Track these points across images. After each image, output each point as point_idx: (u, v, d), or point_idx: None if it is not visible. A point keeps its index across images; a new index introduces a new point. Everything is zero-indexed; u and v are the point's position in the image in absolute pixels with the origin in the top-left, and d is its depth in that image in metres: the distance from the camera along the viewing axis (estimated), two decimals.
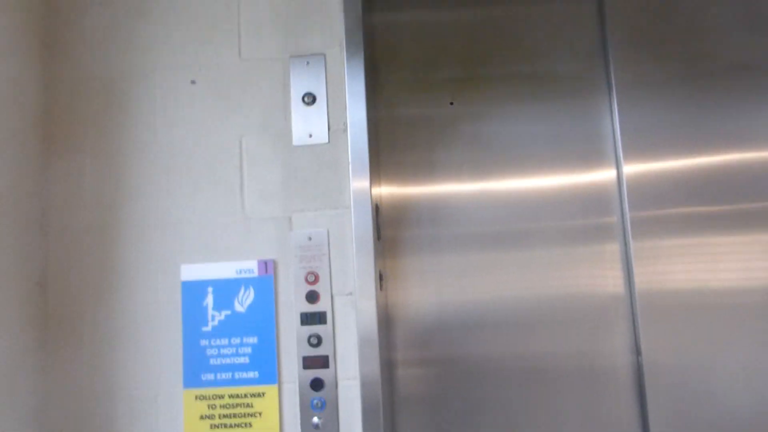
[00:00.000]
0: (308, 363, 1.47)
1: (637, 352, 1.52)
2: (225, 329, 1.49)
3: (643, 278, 1.54)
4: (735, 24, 1.65)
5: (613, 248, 1.58)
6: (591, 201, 1.61)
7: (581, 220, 1.60)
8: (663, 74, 1.63)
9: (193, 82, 1.55)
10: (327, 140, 1.52)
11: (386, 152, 1.64)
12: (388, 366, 1.54)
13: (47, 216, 1.54)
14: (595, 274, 1.57)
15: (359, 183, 1.49)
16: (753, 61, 1.63)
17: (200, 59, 1.56)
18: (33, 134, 1.51)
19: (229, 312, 1.49)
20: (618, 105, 1.62)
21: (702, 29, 1.65)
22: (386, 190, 1.62)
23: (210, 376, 1.48)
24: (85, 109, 1.56)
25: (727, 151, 1.59)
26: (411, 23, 1.70)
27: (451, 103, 1.65)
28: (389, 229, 1.60)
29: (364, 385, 1.45)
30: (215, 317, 1.49)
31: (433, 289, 1.57)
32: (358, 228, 1.49)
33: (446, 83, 1.67)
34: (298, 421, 1.46)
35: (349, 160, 1.50)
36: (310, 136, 1.52)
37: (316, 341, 1.47)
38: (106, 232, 1.53)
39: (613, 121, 1.63)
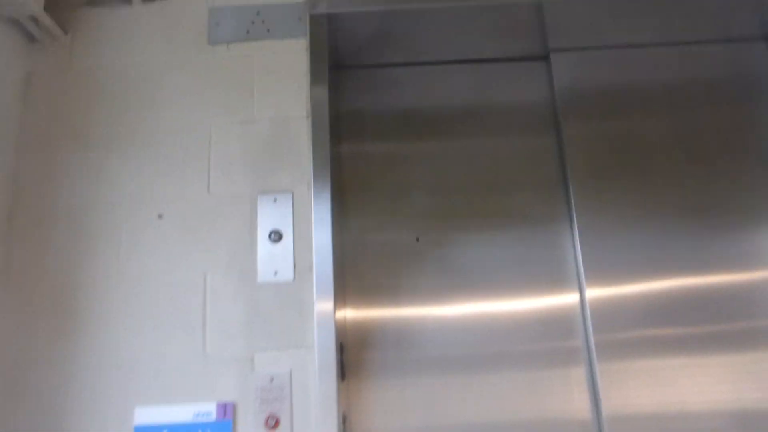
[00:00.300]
0: None
1: None
2: None
3: (609, 401, 1.54)
4: (687, 169, 1.74)
5: (579, 372, 1.59)
6: (556, 325, 1.63)
7: (547, 343, 1.61)
8: (621, 205, 1.71)
9: (160, 216, 1.54)
10: (292, 278, 1.51)
11: (353, 278, 1.66)
12: None
13: None
14: (562, 398, 1.57)
15: (324, 322, 1.48)
16: (703, 203, 1.72)
17: (169, 194, 1.56)
18: None
19: None
20: (579, 233, 1.68)
21: (657, 170, 1.74)
22: (352, 315, 1.63)
23: None
24: (47, 235, 1.54)
25: (684, 277, 1.66)
26: (379, 155, 1.76)
27: (417, 239, 1.68)
28: (354, 354, 1.60)
29: None
30: None
31: (399, 416, 1.55)
32: (322, 369, 1.45)
33: (413, 218, 1.71)
34: None
35: (314, 299, 1.49)
36: (276, 273, 1.51)
37: None
38: (56, 369, 1.47)
39: (575, 248, 1.68)
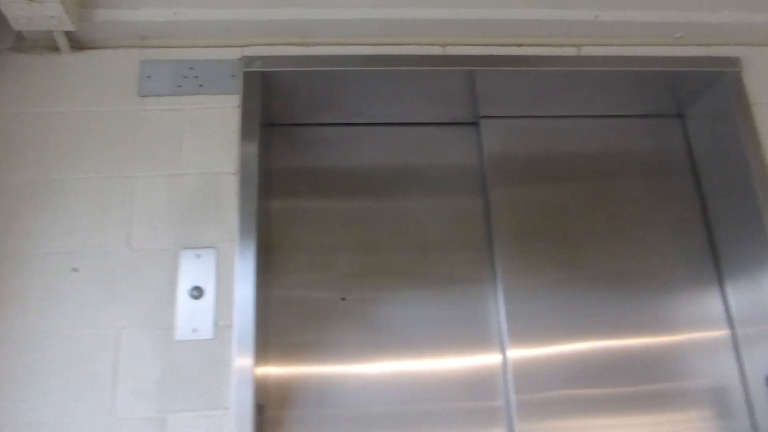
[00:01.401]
0: None
1: None
2: None
3: None
4: (607, 236, 1.81)
5: (500, 431, 1.60)
6: (478, 385, 1.65)
7: (469, 403, 1.63)
8: (544, 269, 1.76)
9: (74, 269, 1.49)
10: (212, 336, 1.47)
11: (276, 332, 1.64)
12: None
13: None
14: None
15: (242, 381, 1.44)
16: (622, 270, 1.79)
17: (86, 246, 1.51)
18: None
19: None
20: (503, 294, 1.71)
21: (578, 236, 1.80)
22: (274, 373, 1.61)
23: None
24: None
25: (606, 340, 1.71)
26: (308, 213, 1.77)
27: (343, 299, 1.68)
28: (275, 412, 1.58)
29: None
30: None
31: None
32: (238, 431, 1.41)
33: (339, 276, 1.71)
34: None
35: (233, 357, 1.45)
36: (195, 330, 1.47)
37: None
38: None
39: (499, 309, 1.71)
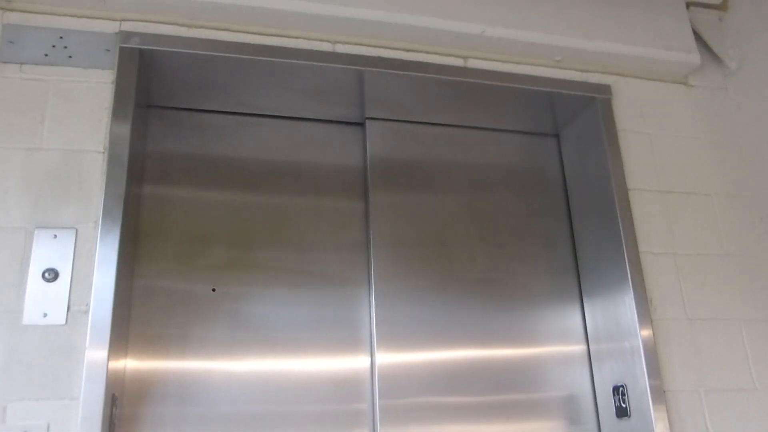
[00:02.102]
0: None
1: None
2: None
3: None
4: (479, 246, 1.88)
5: None
6: (346, 387, 1.65)
7: (335, 405, 1.63)
8: (418, 275, 1.79)
9: None
10: (64, 321, 1.39)
11: (138, 326, 1.58)
12: None
13: None
14: None
15: (94, 371, 1.36)
16: (491, 280, 1.85)
17: None
18: None
19: None
20: (376, 298, 1.73)
21: (452, 244, 1.85)
22: (132, 366, 1.54)
23: None
24: None
25: (471, 349, 1.76)
26: (181, 201, 1.71)
27: (213, 290, 1.64)
28: (131, 407, 1.51)
29: None
30: None
31: None
32: (86, 423, 1.34)
33: (210, 267, 1.67)
34: None
35: (86, 345, 1.38)
36: (45, 315, 1.39)
37: None
38: None
39: (371, 312, 1.72)
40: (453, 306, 1.78)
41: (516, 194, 1.98)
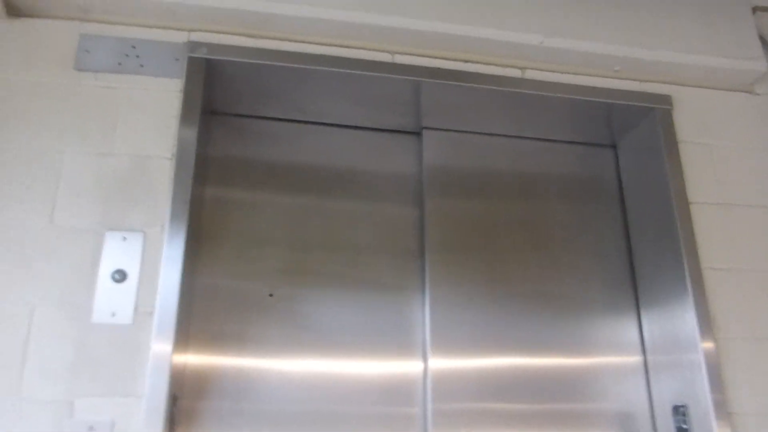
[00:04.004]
0: None
1: None
2: None
3: None
4: (533, 255, 1.86)
5: None
6: (397, 391, 1.67)
7: (386, 408, 1.64)
8: (472, 282, 1.80)
9: None
10: (131, 321, 1.44)
11: (199, 321, 1.62)
12: None
13: None
14: None
15: (158, 369, 1.41)
16: (545, 290, 1.84)
17: (5, 219, 1.45)
18: None
19: None
20: (430, 304, 1.74)
21: (507, 252, 1.85)
22: (193, 362, 1.58)
23: None
24: None
25: (524, 356, 1.75)
26: (242, 205, 1.76)
27: (271, 295, 1.67)
28: (190, 403, 1.56)
29: None
30: None
31: None
32: (149, 422, 1.38)
33: (268, 271, 1.70)
34: None
35: (151, 345, 1.42)
36: (113, 315, 1.43)
37: None
38: None
39: (424, 318, 1.73)
40: (506, 313, 1.78)
41: (571, 204, 1.97)
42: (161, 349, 1.42)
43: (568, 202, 1.97)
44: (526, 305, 1.80)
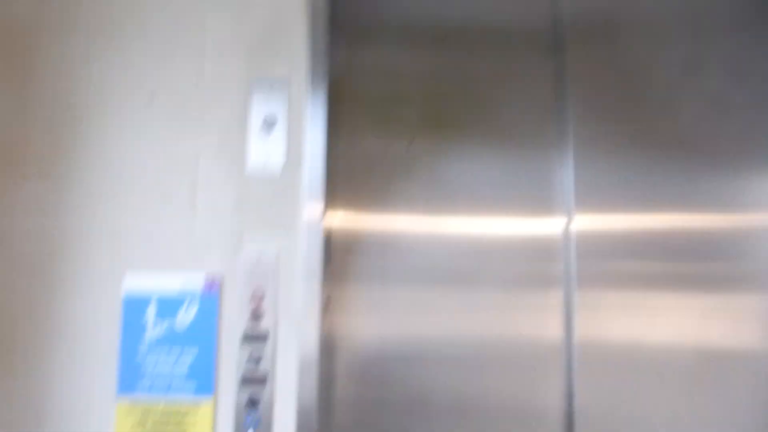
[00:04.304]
0: (246, 381, 1.49)
1: (570, 396, 1.58)
2: (165, 342, 1.49)
3: (581, 329, 1.58)
4: (685, 104, 1.72)
5: (557, 297, 1.61)
6: (540, 248, 1.63)
7: (528, 265, 1.63)
8: (618, 135, 1.68)
9: (149, 99, 1.56)
10: (283, 165, 1.55)
11: (342, 182, 1.66)
12: (326, 391, 1.57)
13: None
14: (537, 320, 1.60)
15: (312, 209, 1.53)
16: (699, 141, 1.69)
17: (160, 77, 1.57)
18: None
19: (170, 325, 1.49)
20: (574, 158, 1.66)
21: (655, 102, 1.71)
22: (339, 219, 1.64)
23: (145, 388, 1.47)
24: (31, 118, 1.55)
25: (675, 214, 1.64)
26: (375, 62, 1.74)
27: (410, 144, 1.69)
28: (339, 259, 1.62)
29: (301, 408, 1.47)
30: (156, 329, 1.49)
31: (377, 321, 1.60)
32: (308, 253, 1.52)
33: (405, 125, 1.70)
34: None
35: (304, 186, 1.54)
36: (267, 160, 1.55)
37: (256, 361, 1.49)
38: (46, 239, 1.51)
39: (569, 173, 1.66)
40: (655, 168, 1.66)
41: (728, 42, 1.73)
42: (314, 188, 1.54)
43: (725, 39, 1.74)
44: (678, 158, 1.67)
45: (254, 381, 1.49)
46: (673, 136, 1.69)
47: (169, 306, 1.50)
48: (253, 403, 1.48)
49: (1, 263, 1.50)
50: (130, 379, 1.48)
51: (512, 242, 1.64)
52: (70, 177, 1.53)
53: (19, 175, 1.53)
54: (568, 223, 1.65)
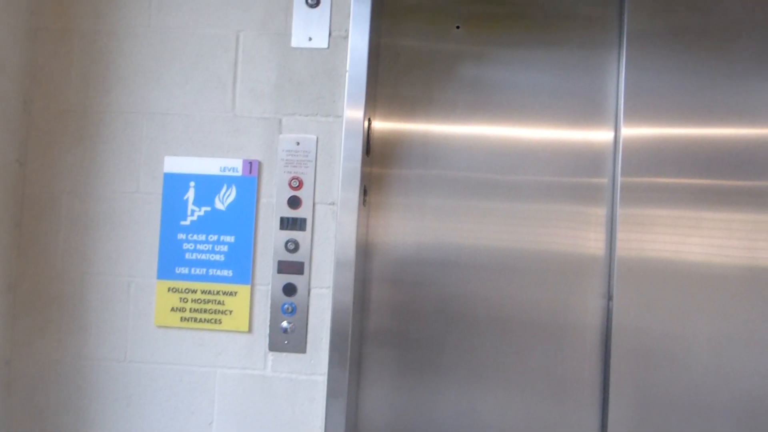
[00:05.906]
0: (283, 268, 1.46)
1: (608, 311, 1.53)
2: (203, 225, 1.47)
3: (624, 243, 1.52)
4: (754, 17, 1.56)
5: (600, 210, 1.55)
6: (585, 160, 1.56)
7: (571, 178, 1.56)
8: (673, 47, 1.55)
9: None
10: (327, 45, 1.47)
11: (384, 71, 1.59)
12: (361, 284, 1.54)
13: (31, 95, 1.50)
14: (579, 233, 1.55)
15: (354, 93, 1.46)
16: (755, 49, 1.55)
17: None
18: (19, 7, 1.46)
19: (209, 208, 1.47)
20: (626, 67, 1.54)
21: (719, 12, 1.55)
22: (380, 111, 1.58)
23: (184, 270, 1.47)
24: None
25: (728, 126, 1.54)
26: None
27: (458, 27, 1.59)
28: (378, 153, 1.57)
29: (336, 295, 1.44)
30: (195, 212, 1.47)
31: (415, 222, 1.56)
32: (348, 139, 1.46)
33: (452, 9, 1.59)
34: (268, 324, 1.46)
35: (347, 68, 1.46)
36: (310, 39, 1.47)
37: (293, 247, 1.46)
38: (89, 116, 1.49)
39: (619, 79, 1.56)
40: (715, 74, 1.54)
41: None
42: (357, 70, 1.45)
43: None
44: (733, 67, 1.54)
45: (291, 269, 1.46)
46: (732, 47, 1.54)
47: (208, 187, 1.47)
48: (289, 290, 1.46)
49: (45, 138, 1.49)
50: (170, 262, 1.47)
51: (558, 153, 1.57)
52: (114, 50, 1.50)
53: (63, 50, 1.50)
54: (616, 135, 1.56)
